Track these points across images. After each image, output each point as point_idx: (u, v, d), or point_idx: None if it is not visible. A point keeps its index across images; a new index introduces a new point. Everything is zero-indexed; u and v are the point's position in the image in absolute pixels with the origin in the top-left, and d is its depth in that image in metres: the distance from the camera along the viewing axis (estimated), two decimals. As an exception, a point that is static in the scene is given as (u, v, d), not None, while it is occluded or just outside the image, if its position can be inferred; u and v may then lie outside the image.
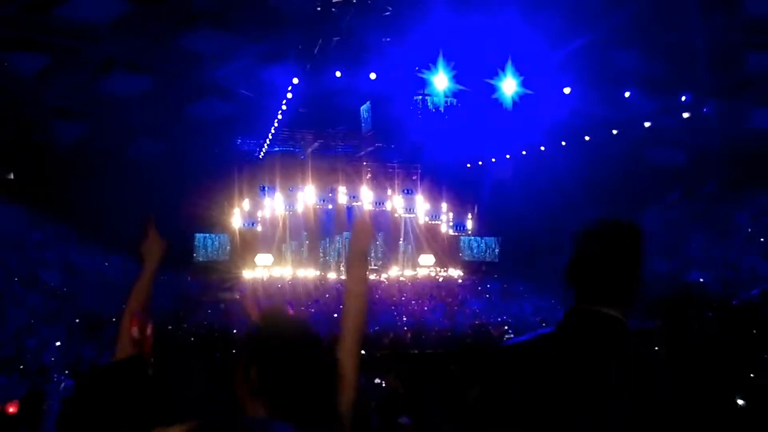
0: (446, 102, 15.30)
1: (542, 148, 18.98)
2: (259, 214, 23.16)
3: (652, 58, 13.52)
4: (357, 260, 2.03)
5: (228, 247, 22.28)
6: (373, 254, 24.21)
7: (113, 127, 16.74)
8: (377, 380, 2.90)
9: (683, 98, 14.67)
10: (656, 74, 13.96)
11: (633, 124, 15.96)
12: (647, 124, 15.65)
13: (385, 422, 2.48)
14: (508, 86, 13.37)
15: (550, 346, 1.55)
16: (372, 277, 23.47)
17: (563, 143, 18.10)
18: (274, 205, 23.25)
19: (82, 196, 15.23)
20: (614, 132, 16.68)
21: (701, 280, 14.85)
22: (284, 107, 16.37)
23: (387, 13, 12.80)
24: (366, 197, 24.11)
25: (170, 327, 11.51)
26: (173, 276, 18.26)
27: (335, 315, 16.97)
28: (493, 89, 13.78)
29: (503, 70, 13.13)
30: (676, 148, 16.70)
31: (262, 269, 22.53)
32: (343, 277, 23.12)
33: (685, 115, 14.81)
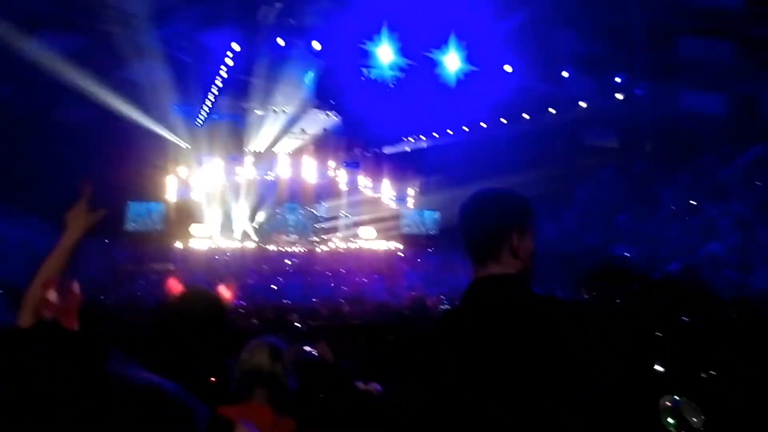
0: (391, 76, 15.26)
1: (483, 125, 19.28)
2: (196, 183, 22.52)
3: (589, 38, 13.90)
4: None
5: (163, 217, 21.60)
6: (315, 226, 24.12)
7: (40, 88, 15.78)
8: (307, 348, 2.91)
9: (617, 79, 15.19)
10: (593, 55, 14.38)
11: (570, 104, 16.43)
12: (583, 104, 16.15)
13: (310, 388, 2.52)
14: (452, 62, 13.45)
15: (453, 317, 1.62)
16: (312, 249, 23.40)
17: (503, 120, 18.45)
18: (212, 175, 22.65)
19: (4, 161, 14.37)
20: (552, 111, 17.13)
21: (627, 254, 15.64)
22: (224, 74, 15.89)
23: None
24: (308, 169, 23.88)
25: (102, 298, 11.13)
26: (104, 245, 17.60)
27: (273, 286, 16.89)
28: (437, 65, 13.84)
29: (447, 45, 13.20)
30: (610, 128, 17.35)
31: (199, 240, 22.01)
32: (282, 248, 22.97)
33: (619, 96, 15.37)
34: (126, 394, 1.24)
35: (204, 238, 22.10)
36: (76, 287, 1.56)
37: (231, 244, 22.44)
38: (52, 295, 1.47)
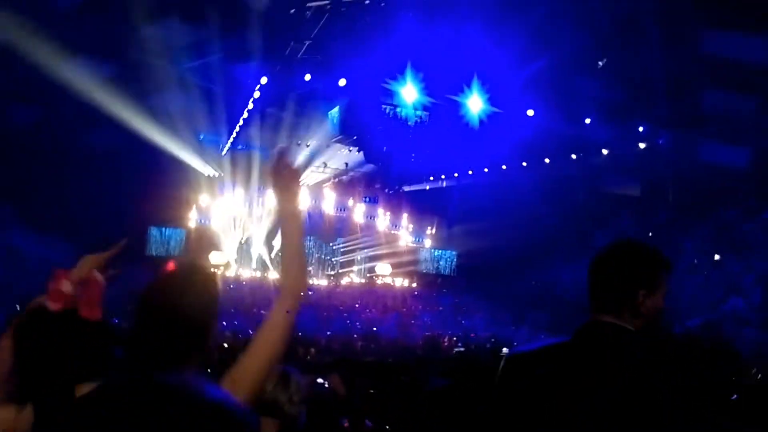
0: (415, 115, 15.45)
1: (504, 167, 19.33)
2: (217, 211, 22.78)
3: (614, 86, 13.98)
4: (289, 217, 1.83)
5: (183, 243, 21.81)
6: (332, 260, 24.14)
7: (70, 114, 16.25)
8: (320, 380, 2.89)
9: (640, 128, 15.19)
10: (617, 103, 14.43)
11: (592, 150, 16.43)
12: (605, 152, 16.13)
13: (318, 421, 2.49)
14: (475, 104, 13.60)
15: (562, 353, 1.62)
16: (328, 283, 23.37)
17: (524, 164, 18.48)
18: (233, 204, 22.91)
19: (32, 184, 14.71)
20: (573, 157, 17.13)
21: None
22: (251, 106, 16.23)
23: (360, 23, 12.88)
24: (328, 202, 24.05)
25: (116, 320, 11.15)
26: (125, 268, 17.74)
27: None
28: (461, 106, 14.00)
29: (470, 87, 13.37)
30: (630, 177, 17.26)
31: (217, 268, 22.13)
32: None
33: (642, 144, 15.33)
34: (194, 407, 1.25)
35: (222, 266, 22.23)
36: (98, 276, 1.58)
37: (248, 273, 22.53)
38: (66, 286, 1.50)
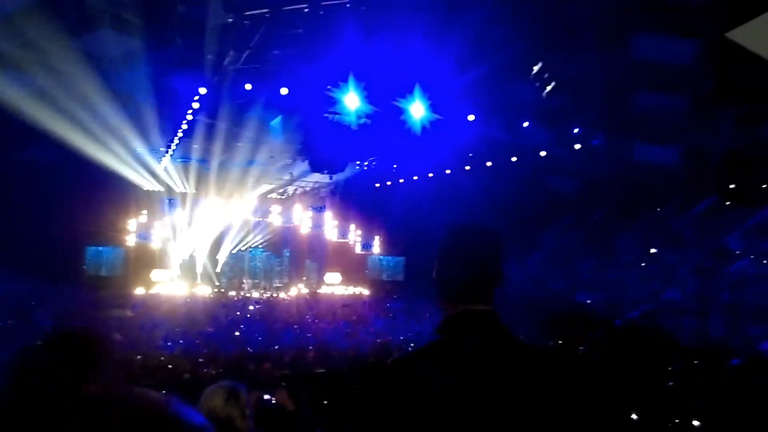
0: (358, 121, 15.46)
1: (448, 171, 19.60)
2: (157, 227, 22.08)
3: (548, 91, 14.40)
4: None
5: (122, 262, 21.03)
6: (280, 271, 23.81)
7: (-3, 128, 15.45)
8: (266, 396, 2.83)
9: (575, 130, 15.71)
10: (552, 107, 14.88)
11: (530, 152, 16.88)
12: (543, 154, 16.60)
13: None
14: (417, 110, 13.73)
15: (437, 349, 1.56)
16: (276, 295, 23.02)
17: (467, 168, 18.80)
18: (174, 218, 22.27)
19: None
20: (513, 159, 17.55)
21: (588, 301, 15.85)
22: (189, 117, 15.84)
23: (300, 31, 12.80)
24: (273, 213, 23.72)
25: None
26: (60, 290, 16.98)
27: (236, 333, 16.45)
28: (403, 113, 14.11)
29: (412, 93, 13.50)
30: (570, 177, 17.82)
31: (159, 285, 21.43)
32: (245, 294, 22.50)
33: (577, 146, 15.87)
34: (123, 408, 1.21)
35: (164, 283, 21.55)
36: None
37: (192, 289, 21.93)
38: None
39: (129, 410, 0.97)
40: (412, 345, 12.07)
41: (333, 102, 14.32)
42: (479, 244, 1.65)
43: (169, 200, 21.92)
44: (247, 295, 22.43)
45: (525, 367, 1.47)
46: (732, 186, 15.08)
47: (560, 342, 11.96)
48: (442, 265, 1.68)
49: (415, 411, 1.43)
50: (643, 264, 16.01)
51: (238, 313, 19.54)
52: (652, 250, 16.29)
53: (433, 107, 13.97)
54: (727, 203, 15.22)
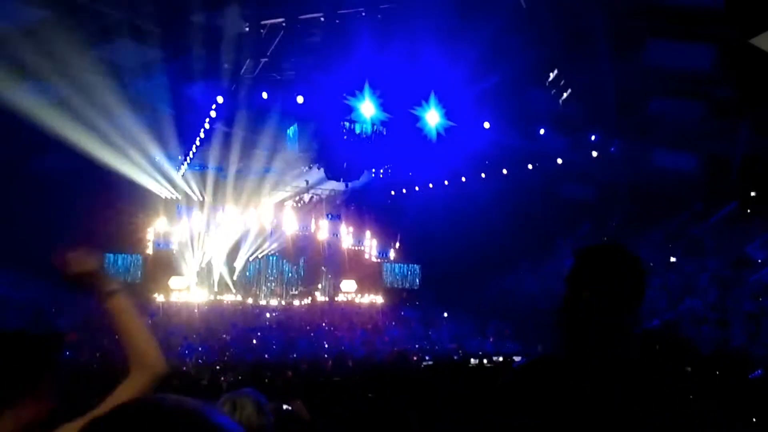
0: (373, 129, 15.50)
1: (463, 179, 19.56)
2: (176, 234, 22.27)
3: (564, 99, 14.34)
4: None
5: (140, 269, 21.24)
6: (296, 279, 23.89)
7: (19, 137, 15.72)
8: (285, 406, 2.83)
9: (592, 137, 15.60)
10: (568, 114, 14.80)
11: (548, 160, 16.78)
12: (559, 161, 16.50)
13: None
14: (432, 117, 13.74)
15: (579, 363, 1.63)
16: (292, 303, 23.08)
17: (483, 175, 18.75)
18: (192, 226, 22.45)
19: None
20: (530, 166, 17.46)
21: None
22: (207, 126, 16.00)
23: (316, 39, 12.90)
24: (289, 221, 23.82)
25: (68, 353, 10.78)
26: (78, 297, 17.18)
27: (254, 341, 16.52)
28: (418, 119, 14.12)
29: (427, 101, 13.51)
30: (586, 184, 17.69)
31: (178, 293, 21.59)
32: (262, 302, 22.59)
33: (594, 153, 15.75)
34: None
35: (182, 291, 21.70)
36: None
37: (210, 297, 22.06)
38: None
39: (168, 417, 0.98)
40: (426, 353, 12.02)
41: (349, 110, 14.38)
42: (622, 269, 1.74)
43: (187, 208, 22.12)
44: (264, 303, 22.52)
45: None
46: (753, 193, 14.86)
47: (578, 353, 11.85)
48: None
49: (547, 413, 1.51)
50: (662, 272, 15.80)
51: (255, 320, 19.63)
52: (672, 259, 16.07)
53: (448, 115, 13.97)
54: (748, 210, 14.99)
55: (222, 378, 8.13)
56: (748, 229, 14.48)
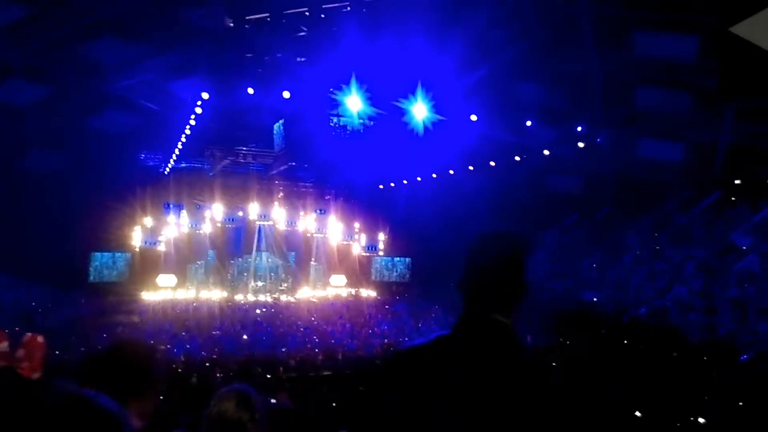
0: (360, 124, 15.47)
1: (451, 172, 19.59)
2: (163, 232, 22.13)
3: (550, 90, 14.38)
4: None
5: (127, 267, 21.09)
6: (285, 274, 23.84)
7: (3, 135, 15.51)
8: (273, 400, 2.83)
9: (579, 128, 15.67)
10: (554, 106, 14.85)
11: (534, 152, 16.84)
12: (546, 152, 16.56)
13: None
14: (419, 111, 13.73)
15: (445, 347, 1.59)
16: (282, 297, 23.04)
17: (470, 168, 18.78)
18: (179, 224, 22.31)
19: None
20: (517, 158, 17.52)
21: (594, 299, 15.79)
22: (192, 122, 15.88)
23: (301, 34, 12.82)
24: (277, 216, 23.73)
25: (57, 352, 10.68)
26: (66, 296, 17.05)
27: (245, 336, 16.48)
28: (406, 114, 14.11)
29: (414, 95, 13.49)
30: (573, 175, 17.78)
31: (166, 290, 21.48)
32: (251, 298, 22.52)
33: (581, 144, 15.82)
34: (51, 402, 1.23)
35: (170, 288, 21.60)
36: (40, 339, 1.60)
37: (198, 294, 21.96)
38: (4, 346, 1.51)
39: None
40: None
41: (335, 104, 14.34)
42: (496, 253, 1.67)
43: (174, 206, 21.96)
44: (253, 299, 22.45)
45: (511, 376, 1.50)
46: (738, 181, 15.02)
47: (567, 342, 11.92)
48: (467, 270, 1.70)
49: (413, 398, 1.50)
50: (649, 261, 15.95)
51: (244, 316, 19.57)
52: (658, 248, 16.22)
53: (436, 108, 13.96)
54: (733, 199, 15.15)
55: (212, 374, 8.11)
56: (734, 217, 14.64)
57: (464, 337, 1.58)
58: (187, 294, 21.69)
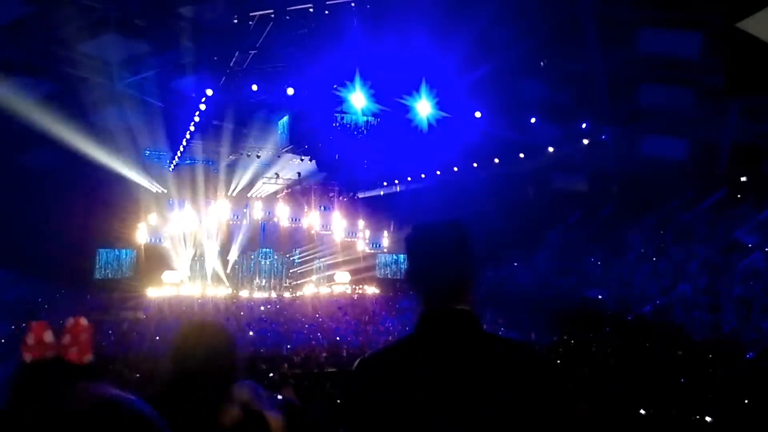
0: (365, 120, 15.47)
1: (455, 169, 19.57)
2: (168, 229, 22.19)
3: (555, 87, 14.36)
4: None
5: (132, 264, 21.16)
6: (290, 271, 23.89)
7: (8, 133, 15.57)
8: (279, 396, 2.85)
9: (583, 126, 15.63)
10: (559, 103, 14.82)
11: (539, 149, 16.82)
12: (551, 150, 16.54)
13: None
14: (423, 108, 13.72)
15: (415, 348, 1.54)
16: (286, 294, 23.09)
17: (475, 165, 18.76)
18: (183, 220, 22.37)
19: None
20: (521, 156, 17.49)
21: (599, 297, 15.77)
22: (197, 119, 15.90)
23: (305, 31, 12.82)
24: (282, 213, 23.77)
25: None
26: (72, 293, 17.12)
27: (251, 333, 16.52)
28: (410, 111, 14.10)
29: (418, 91, 13.48)
30: (578, 173, 17.74)
31: (170, 287, 21.55)
32: (256, 295, 22.57)
33: (585, 141, 15.79)
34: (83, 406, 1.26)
35: (175, 285, 21.67)
36: (84, 321, 1.62)
37: (203, 290, 22.03)
38: (49, 336, 1.53)
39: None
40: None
41: (340, 101, 14.33)
42: (444, 242, 1.60)
43: (179, 202, 22.02)
44: (257, 295, 22.51)
45: (493, 362, 1.47)
46: (743, 179, 14.96)
47: (571, 339, 11.92)
48: (412, 265, 1.65)
49: (386, 402, 1.45)
50: (653, 259, 15.92)
51: (249, 313, 19.62)
52: (662, 245, 16.19)
53: (440, 105, 13.95)
54: (738, 196, 15.10)
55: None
56: (738, 215, 14.59)
57: (433, 334, 1.53)
58: (192, 291, 21.76)
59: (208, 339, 1.98)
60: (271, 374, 6.25)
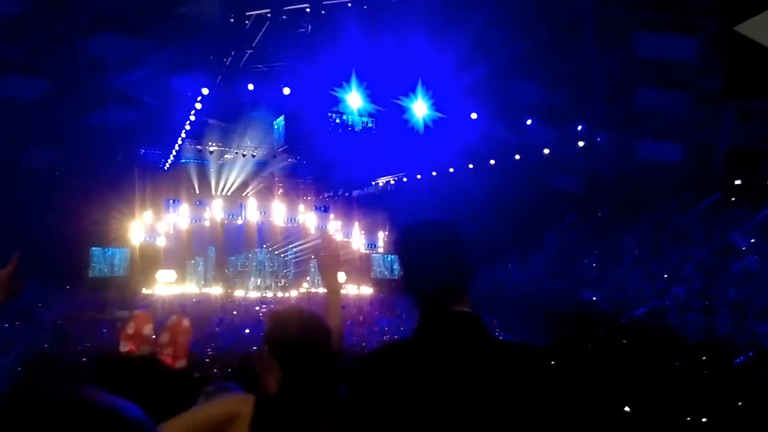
0: (361, 121, 15.46)
1: (451, 170, 19.58)
2: (163, 227, 22.11)
3: (551, 89, 14.38)
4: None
5: (127, 263, 21.07)
6: (285, 271, 23.84)
7: (3, 133, 15.50)
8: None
9: (579, 128, 15.66)
10: (555, 105, 14.84)
11: (535, 151, 16.83)
12: (546, 151, 16.56)
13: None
14: (420, 109, 13.72)
15: (410, 348, 1.52)
16: (279, 294, 23.04)
17: (470, 166, 18.77)
18: (178, 219, 22.29)
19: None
20: (517, 157, 17.51)
21: (594, 299, 15.80)
22: (192, 118, 15.87)
23: (302, 30, 12.82)
24: (277, 213, 23.72)
25: (55, 347, 10.66)
26: (66, 293, 17.03)
27: (246, 330, 16.47)
28: (406, 111, 14.11)
29: (414, 92, 13.49)
30: (573, 175, 17.78)
31: (165, 286, 21.45)
32: (251, 294, 22.52)
33: (581, 143, 15.81)
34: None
35: (170, 284, 21.58)
36: (186, 322, 1.58)
37: (198, 289, 21.96)
38: (148, 330, 1.51)
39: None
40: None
41: (336, 101, 14.33)
42: (434, 243, 1.55)
43: (174, 201, 21.95)
44: (252, 295, 22.44)
45: (493, 362, 1.45)
46: (738, 182, 15.01)
47: (565, 342, 11.93)
48: (403, 267, 1.59)
49: (386, 401, 1.43)
50: (647, 262, 15.96)
51: (244, 313, 19.56)
52: (657, 248, 16.23)
53: (436, 106, 13.96)
54: (732, 199, 15.15)
55: (214, 370, 8.11)
56: (733, 218, 14.64)
57: (434, 337, 1.50)
58: (186, 290, 21.68)
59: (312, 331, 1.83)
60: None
